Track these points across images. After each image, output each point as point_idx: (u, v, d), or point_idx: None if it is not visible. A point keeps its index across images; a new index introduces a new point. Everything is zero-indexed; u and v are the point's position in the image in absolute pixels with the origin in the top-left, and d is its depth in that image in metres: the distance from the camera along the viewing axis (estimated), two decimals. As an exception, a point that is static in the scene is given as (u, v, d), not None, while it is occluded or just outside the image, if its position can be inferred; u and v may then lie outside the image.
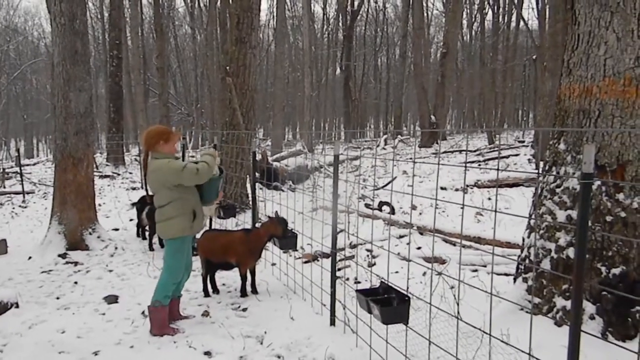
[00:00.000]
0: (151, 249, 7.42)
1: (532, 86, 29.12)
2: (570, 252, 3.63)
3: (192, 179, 4.29)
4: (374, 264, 6.25)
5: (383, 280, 3.52)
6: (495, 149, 18.29)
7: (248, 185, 9.58)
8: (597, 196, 3.59)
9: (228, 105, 9.21)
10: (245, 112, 9.13)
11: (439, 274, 5.18)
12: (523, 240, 4.12)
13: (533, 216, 3.97)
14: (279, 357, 3.98)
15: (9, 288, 5.46)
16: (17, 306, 5.07)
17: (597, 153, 3.60)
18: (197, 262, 6.07)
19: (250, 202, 7.62)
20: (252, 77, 9.40)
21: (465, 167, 2.99)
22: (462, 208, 2.91)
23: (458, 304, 3.16)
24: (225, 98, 9.50)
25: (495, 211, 2.73)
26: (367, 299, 3.30)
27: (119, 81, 20.10)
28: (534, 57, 18.74)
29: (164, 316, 4.46)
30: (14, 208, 11.47)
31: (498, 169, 2.83)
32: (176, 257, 4.46)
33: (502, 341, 2.87)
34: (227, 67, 9.24)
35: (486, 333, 2.77)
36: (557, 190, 3.80)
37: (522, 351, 2.57)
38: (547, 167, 3.96)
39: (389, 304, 3.32)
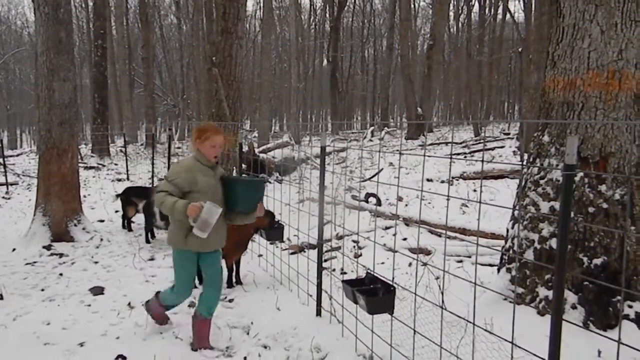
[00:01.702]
0: (148, 241, 7.37)
1: (518, 79, 29.34)
2: (553, 242, 3.68)
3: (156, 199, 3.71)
4: (360, 255, 6.29)
5: (369, 270, 3.55)
6: (481, 141, 18.41)
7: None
8: (579, 188, 3.64)
9: (214, 96, 9.16)
10: (231, 104, 9.09)
11: (424, 264, 5.23)
12: (507, 231, 4.18)
13: (517, 207, 4.01)
14: (265, 347, 3.99)
15: (-9, 280, 5.40)
16: (2, 298, 5.02)
17: (580, 145, 3.65)
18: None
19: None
20: (239, 68, 9.34)
21: (451, 159, 3.01)
22: (447, 199, 2.94)
23: (443, 294, 3.20)
24: (211, 89, 9.43)
25: (480, 202, 2.76)
26: (353, 289, 3.33)
27: (104, 71, 19.87)
28: (520, 49, 18.85)
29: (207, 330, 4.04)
30: (-4, 199, 11.32)
31: (483, 161, 2.86)
32: (176, 265, 3.94)
33: (485, 330, 2.91)
34: (213, 58, 9.19)
35: (470, 322, 2.81)
36: (541, 181, 3.85)
37: (505, 340, 2.61)
38: (531, 159, 4.01)
39: (375, 294, 3.35)
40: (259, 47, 33.03)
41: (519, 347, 2.51)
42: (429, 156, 3.41)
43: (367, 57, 49.42)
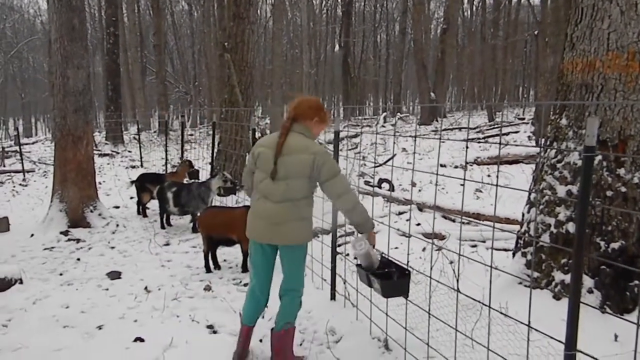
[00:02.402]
0: (163, 226, 7.44)
1: (533, 62, 28.94)
2: (570, 226, 3.66)
3: (344, 198, 3.18)
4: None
5: (383, 254, 3.55)
6: (496, 126, 18.24)
7: (248, 163, 9.57)
8: (597, 171, 3.60)
9: (226, 82, 9.16)
10: (244, 89, 9.08)
11: (439, 249, 5.23)
12: (523, 215, 4.14)
13: (533, 191, 3.98)
14: (280, 330, 4.02)
15: (12, 264, 5.49)
16: (21, 282, 5.11)
17: (599, 128, 3.59)
18: (198, 239, 6.15)
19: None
20: (251, 54, 9.32)
21: (467, 143, 2.98)
22: (462, 185, 2.92)
23: (458, 278, 3.20)
24: (224, 75, 9.43)
25: (497, 186, 2.74)
26: (368, 273, 3.33)
27: (116, 59, 19.93)
28: (536, 32, 18.55)
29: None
30: (14, 186, 11.48)
31: (500, 144, 2.83)
32: (300, 261, 3.42)
33: (501, 313, 2.91)
34: (225, 44, 9.16)
35: (485, 305, 2.81)
36: (558, 165, 3.80)
37: (522, 322, 2.61)
38: (548, 143, 3.96)
39: (389, 278, 3.35)
40: (270, 33, 32.91)
41: (536, 329, 2.50)
42: (445, 140, 3.39)
43: (380, 42, 49.00)
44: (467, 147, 3.21)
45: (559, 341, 2.32)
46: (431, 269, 3.40)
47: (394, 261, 3.43)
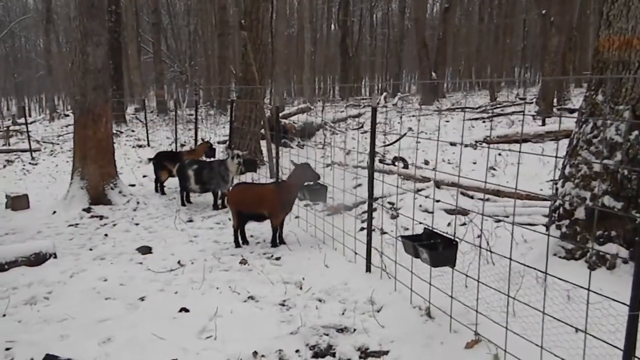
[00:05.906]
0: (183, 204, 7.51)
1: (532, 43, 28.90)
2: (606, 200, 3.78)
3: None
4: (397, 215, 6.40)
5: (427, 227, 3.66)
6: (498, 105, 18.31)
7: (261, 141, 9.61)
8: (634, 146, 3.71)
9: (242, 60, 9.14)
10: (259, 68, 9.07)
11: (463, 224, 5.36)
12: (557, 190, 4.26)
13: (568, 166, 4.09)
14: (320, 300, 4.15)
15: (45, 240, 5.57)
16: (56, 257, 5.19)
17: (635, 104, 3.70)
18: (221, 216, 6.23)
19: (265, 157, 7.67)
20: (265, 32, 9.29)
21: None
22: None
23: (511, 244, 3.29)
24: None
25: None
26: (415, 244, 3.44)
27: (118, 37, 19.73)
28: (543, 11, 18.50)
29: None
30: (24, 165, 11.49)
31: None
32: None
33: (558, 278, 3.01)
34: (242, 21, 9.13)
35: (541, 272, 2.92)
36: (594, 140, 3.91)
37: (580, 286, 2.72)
38: (583, 119, 4.06)
39: (435, 248, 3.47)
40: (276, 13, 32.56)
41: (596, 292, 2.61)
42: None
43: (376, 22, 48.64)
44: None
45: (623, 303, 2.43)
46: (475, 239, 3.51)
47: (439, 233, 3.55)
